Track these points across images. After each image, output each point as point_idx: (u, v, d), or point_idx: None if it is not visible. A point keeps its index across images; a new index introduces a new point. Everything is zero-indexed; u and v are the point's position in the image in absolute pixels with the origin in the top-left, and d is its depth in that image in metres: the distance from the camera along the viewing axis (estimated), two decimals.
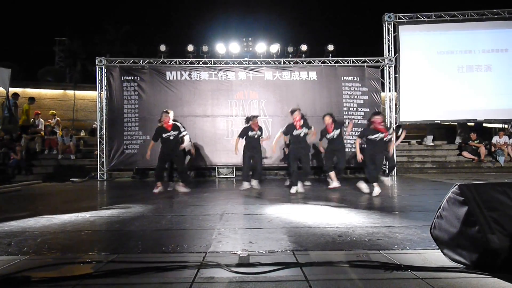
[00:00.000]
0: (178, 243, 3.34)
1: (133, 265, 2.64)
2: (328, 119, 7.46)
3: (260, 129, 7.85)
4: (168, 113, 7.15)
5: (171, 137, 7.05)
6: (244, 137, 7.75)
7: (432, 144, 12.59)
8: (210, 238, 3.49)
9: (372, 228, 3.85)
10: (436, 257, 2.75)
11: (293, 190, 6.82)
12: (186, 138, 7.82)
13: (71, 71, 19.23)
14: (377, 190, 6.36)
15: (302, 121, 7.05)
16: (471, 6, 11.15)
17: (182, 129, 7.31)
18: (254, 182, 7.72)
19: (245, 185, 7.64)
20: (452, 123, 13.09)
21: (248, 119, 7.83)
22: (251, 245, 3.23)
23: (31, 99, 13.04)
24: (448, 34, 11.34)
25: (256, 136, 7.70)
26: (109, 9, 25.43)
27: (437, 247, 2.79)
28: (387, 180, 8.39)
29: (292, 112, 7.09)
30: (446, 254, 2.68)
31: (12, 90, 12.36)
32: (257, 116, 7.85)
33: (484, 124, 13.20)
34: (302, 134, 7.05)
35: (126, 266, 2.61)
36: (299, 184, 6.97)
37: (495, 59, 11.29)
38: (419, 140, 13.11)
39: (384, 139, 6.60)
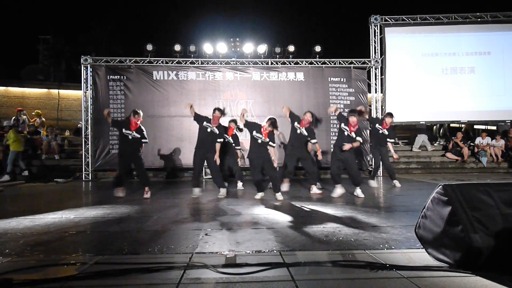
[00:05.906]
0: (164, 244, 3.31)
1: (119, 267, 2.61)
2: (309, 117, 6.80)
3: (221, 127, 6.71)
4: (139, 114, 6.52)
5: (130, 137, 6.48)
6: (199, 128, 6.62)
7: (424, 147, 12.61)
8: (197, 239, 3.47)
9: (358, 228, 3.88)
10: (421, 256, 2.79)
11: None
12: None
13: (55, 70, 18.90)
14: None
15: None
16: (455, 9, 11.37)
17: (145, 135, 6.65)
18: (196, 190, 6.65)
19: (196, 191, 6.63)
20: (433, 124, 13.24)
21: (215, 110, 6.64)
22: (237, 245, 3.23)
23: None
24: (432, 37, 11.52)
25: (209, 131, 6.54)
26: (94, 7, 25.11)
27: (422, 247, 2.84)
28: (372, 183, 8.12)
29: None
30: (431, 253, 2.73)
31: None
32: (220, 110, 6.64)
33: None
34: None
35: (112, 268, 2.58)
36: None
37: (478, 61, 11.50)
38: (406, 141, 13.28)
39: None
